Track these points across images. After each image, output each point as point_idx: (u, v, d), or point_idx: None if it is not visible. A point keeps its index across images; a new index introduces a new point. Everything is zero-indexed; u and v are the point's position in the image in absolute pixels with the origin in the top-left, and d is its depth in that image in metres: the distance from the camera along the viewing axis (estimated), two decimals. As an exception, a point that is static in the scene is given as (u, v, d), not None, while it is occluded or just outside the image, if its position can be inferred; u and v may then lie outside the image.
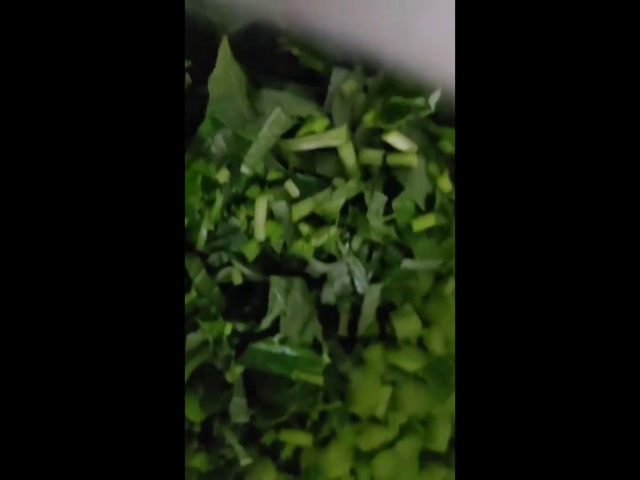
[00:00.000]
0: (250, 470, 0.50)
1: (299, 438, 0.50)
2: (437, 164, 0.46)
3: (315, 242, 0.43)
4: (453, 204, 0.48)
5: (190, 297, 0.44)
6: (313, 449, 0.51)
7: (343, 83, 0.46)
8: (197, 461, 0.48)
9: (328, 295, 0.48)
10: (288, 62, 0.47)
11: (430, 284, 0.52)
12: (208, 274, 0.44)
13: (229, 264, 0.45)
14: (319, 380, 0.44)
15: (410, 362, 0.49)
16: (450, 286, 0.52)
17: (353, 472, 0.50)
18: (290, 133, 0.44)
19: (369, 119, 0.44)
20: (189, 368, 0.45)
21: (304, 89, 0.47)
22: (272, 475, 0.50)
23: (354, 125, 0.47)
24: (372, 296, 0.48)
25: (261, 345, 0.44)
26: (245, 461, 0.50)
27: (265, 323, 0.44)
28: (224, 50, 0.43)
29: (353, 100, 0.47)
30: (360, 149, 0.45)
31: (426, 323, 0.51)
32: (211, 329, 0.44)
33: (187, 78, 0.42)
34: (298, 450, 0.52)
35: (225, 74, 0.43)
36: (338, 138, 0.44)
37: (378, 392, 0.48)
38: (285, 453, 0.51)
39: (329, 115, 0.45)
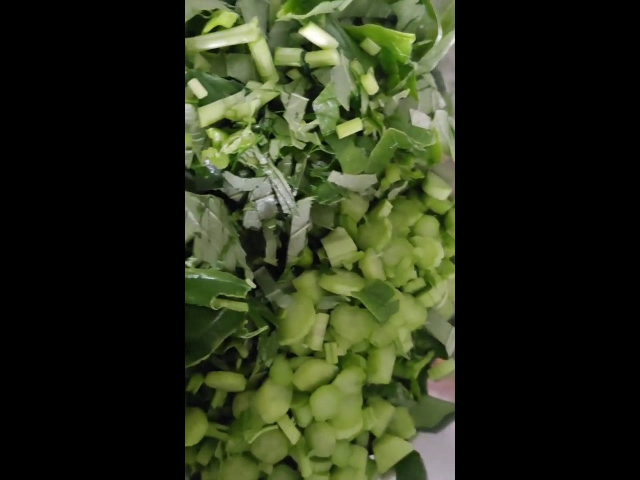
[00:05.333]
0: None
1: (229, 380, 0.44)
2: (360, 63, 0.42)
3: (228, 148, 0.38)
4: (381, 113, 0.44)
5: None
6: (247, 394, 0.46)
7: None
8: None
9: (251, 217, 0.43)
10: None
11: (365, 207, 0.49)
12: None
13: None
14: (242, 306, 0.39)
15: (346, 287, 0.44)
16: (386, 209, 0.48)
17: (291, 414, 0.46)
18: (197, 31, 0.39)
19: (282, 12, 0.40)
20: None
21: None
22: (203, 427, 0.45)
23: (268, 26, 0.42)
24: (301, 216, 0.43)
25: (174, 271, 0.39)
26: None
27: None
28: None
29: (265, -4, 0.42)
30: (276, 49, 0.41)
31: (361, 248, 0.47)
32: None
33: None
34: (230, 397, 0.47)
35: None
36: (249, 34, 0.39)
37: (312, 321, 0.44)
38: (216, 401, 0.46)
39: (240, 14, 0.41)
